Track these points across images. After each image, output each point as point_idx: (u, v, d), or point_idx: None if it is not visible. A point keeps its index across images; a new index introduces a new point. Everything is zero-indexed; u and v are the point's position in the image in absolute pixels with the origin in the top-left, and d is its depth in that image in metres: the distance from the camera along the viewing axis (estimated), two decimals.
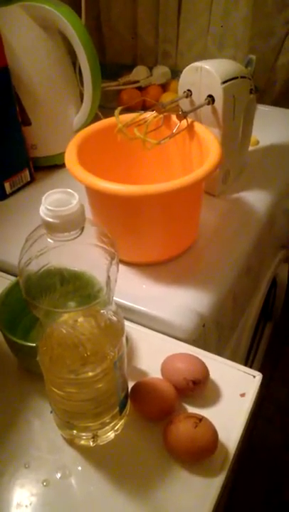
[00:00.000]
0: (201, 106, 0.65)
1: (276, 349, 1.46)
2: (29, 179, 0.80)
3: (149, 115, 0.63)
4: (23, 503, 0.41)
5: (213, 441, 0.42)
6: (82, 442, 0.44)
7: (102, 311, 0.37)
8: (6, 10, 0.70)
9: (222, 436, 0.43)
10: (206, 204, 0.70)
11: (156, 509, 0.40)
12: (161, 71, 1.06)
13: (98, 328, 0.38)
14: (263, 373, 0.50)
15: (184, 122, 0.62)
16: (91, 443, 0.44)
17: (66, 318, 0.36)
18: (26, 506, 0.41)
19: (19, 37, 0.72)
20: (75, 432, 0.44)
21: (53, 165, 0.83)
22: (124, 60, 1.26)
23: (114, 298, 0.38)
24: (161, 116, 0.63)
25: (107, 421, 0.43)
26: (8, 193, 0.77)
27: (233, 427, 0.45)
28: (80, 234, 0.32)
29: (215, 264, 0.63)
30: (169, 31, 1.16)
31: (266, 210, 0.73)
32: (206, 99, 0.64)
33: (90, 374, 0.37)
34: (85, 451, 0.44)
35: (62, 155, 0.57)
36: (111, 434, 0.45)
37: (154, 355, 0.51)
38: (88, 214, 0.33)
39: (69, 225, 0.31)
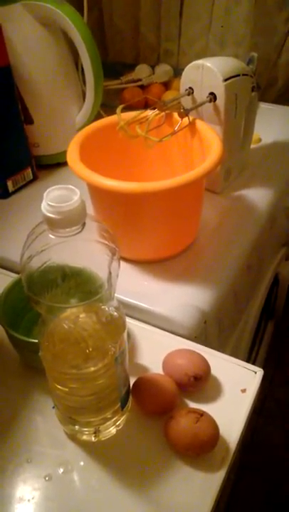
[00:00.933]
0: (202, 103, 0.65)
1: (278, 348, 1.46)
2: (32, 177, 0.80)
3: (151, 113, 0.63)
4: (26, 497, 0.41)
5: (214, 436, 0.42)
6: (84, 437, 0.45)
7: (103, 307, 0.37)
8: (9, 9, 0.70)
9: (223, 431, 0.44)
10: (208, 201, 0.70)
11: (158, 503, 0.41)
12: (163, 69, 1.07)
13: (100, 324, 0.38)
14: (264, 372, 0.51)
15: (186, 120, 0.63)
16: (93, 438, 0.45)
17: (68, 314, 0.37)
18: (29, 501, 0.41)
19: (21, 36, 0.72)
20: (77, 427, 0.44)
21: (56, 163, 0.83)
22: (126, 58, 1.26)
23: (116, 295, 0.38)
24: (163, 114, 0.63)
25: (109, 416, 0.43)
26: (10, 191, 0.77)
27: (234, 423, 0.46)
28: (82, 230, 0.32)
29: (216, 261, 0.63)
30: (171, 29, 1.16)
31: (268, 207, 0.73)
32: (207, 97, 0.64)
33: (92, 369, 0.38)
34: (87, 447, 0.45)
35: (64, 153, 0.57)
36: (113, 430, 0.45)
37: (155, 351, 0.51)
38: (90, 212, 0.33)
39: (70, 221, 0.31)
